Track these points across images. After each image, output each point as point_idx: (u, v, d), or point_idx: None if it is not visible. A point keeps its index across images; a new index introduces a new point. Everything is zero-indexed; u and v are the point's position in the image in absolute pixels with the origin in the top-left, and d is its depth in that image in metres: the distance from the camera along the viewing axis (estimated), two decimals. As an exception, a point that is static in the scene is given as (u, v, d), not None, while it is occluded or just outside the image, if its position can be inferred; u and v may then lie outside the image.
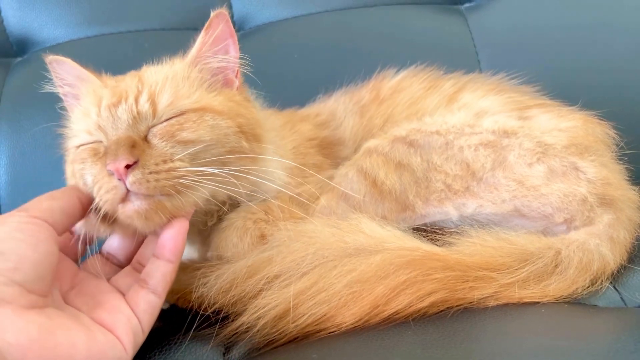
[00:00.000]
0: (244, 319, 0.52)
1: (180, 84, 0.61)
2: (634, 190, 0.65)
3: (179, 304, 0.62)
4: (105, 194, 0.54)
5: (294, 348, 0.50)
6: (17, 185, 0.91)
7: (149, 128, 0.57)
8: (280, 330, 0.51)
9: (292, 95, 0.86)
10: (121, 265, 0.60)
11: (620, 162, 0.68)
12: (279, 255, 0.56)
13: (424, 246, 0.56)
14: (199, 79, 0.63)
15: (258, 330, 0.52)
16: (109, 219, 0.56)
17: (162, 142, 0.56)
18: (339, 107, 0.81)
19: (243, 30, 1.03)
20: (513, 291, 0.53)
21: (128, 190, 0.53)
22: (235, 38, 0.65)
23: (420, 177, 0.63)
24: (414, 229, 0.62)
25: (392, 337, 0.48)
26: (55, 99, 0.67)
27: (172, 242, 0.54)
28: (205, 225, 0.66)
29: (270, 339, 0.51)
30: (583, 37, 0.96)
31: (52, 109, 0.67)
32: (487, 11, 1.02)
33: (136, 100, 0.58)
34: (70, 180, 0.62)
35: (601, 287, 0.56)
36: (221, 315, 0.54)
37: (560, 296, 0.54)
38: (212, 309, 0.54)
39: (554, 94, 0.75)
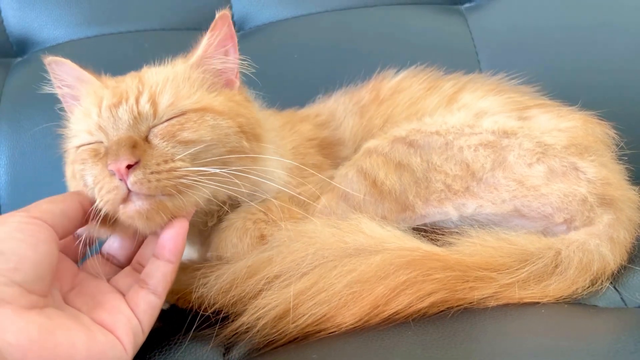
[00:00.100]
0: (244, 319, 0.52)
1: (181, 84, 0.61)
2: (634, 190, 0.65)
3: (179, 304, 0.62)
4: (106, 195, 0.54)
5: (294, 348, 0.50)
6: (17, 185, 0.91)
7: (150, 128, 0.57)
8: (280, 331, 0.51)
9: (292, 95, 0.87)
10: (121, 266, 0.60)
11: (620, 162, 0.68)
12: (279, 255, 0.56)
13: (424, 246, 0.56)
14: (200, 80, 0.63)
15: (258, 331, 0.52)
16: (110, 220, 0.56)
17: (163, 142, 0.56)
18: (338, 108, 0.81)
19: (243, 30, 1.03)
20: (513, 291, 0.53)
21: (129, 191, 0.53)
22: (236, 39, 0.65)
23: (420, 178, 0.63)
24: (414, 229, 0.62)
25: (392, 338, 0.48)
26: (55, 99, 0.67)
27: (172, 243, 0.54)
28: (206, 226, 0.66)
29: (270, 339, 0.51)
30: (583, 37, 0.96)
31: (52, 109, 0.67)
32: (487, 11, 1.02)
33: (137, 101, 0.58)
34: (71, 181, 0.62)
35: (601, 288, 0.56)
36: (221, 315, 0.54)
37: (561, 296, 0.54)
38: (212, 309, 0.54)
39: (554, 94, 0.75)
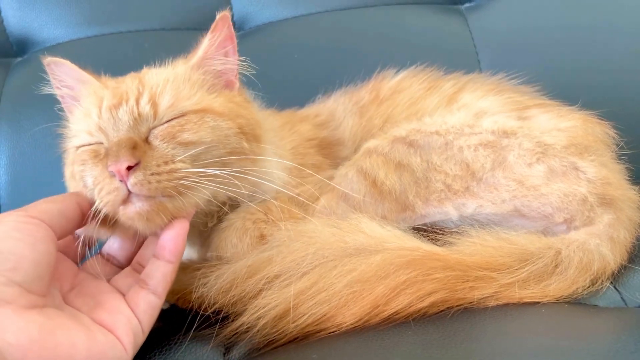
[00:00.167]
0: (244, 319, 0.52)
1: (181, 85, 0.61)
2: (634, 190, 0.65)
3: (179, 304, 0.62)
4: (106, 196, 0.54)
5: (294, 348, 0.50)
6: (17, 185, 0.91)
7: (150, 129, 0.57)
8: (281, 330, 0.51)
9: (292, 95, 0.87)
10: (121, 266, 0.60)
11: (620, 161, 0.68)
12: (279, 255, 0.56)
13: (424, 246, 0.56)
14: (200, 81, 0.63)
15: (258, 331, 0.52)
16: (110, 221, 0.56)
17: (164, 143, 0.56)
18: (338, 108, 0.81)
19: (243, 30, 1.03)
20: (513, 291, 0.53)
21: (129, 192, 0.53)
22: (235, 40, 0.65)
23: (420, 177, 0.63)
24: (414, 229, 0.62)
25: (392, 337, 0.48)
26: (55, 99, 0.67)
27: (172, 243, 0.54)
28: (206, 226, 0.66)
29: (270, 339, 0.51)
30: (583, 37, 0.96)
31: (52, 110, 0.67)
32: (487, 11, 1.02)
33: (137, 102, 0.58)
34: (70, 182, 0.62)
35: (601, 287, 0.56)
36: (221, 315, 0.54)
37: (561, 296, 0.54)
38: (212, 309, 0.55)
39: (554, 94, 0.75)
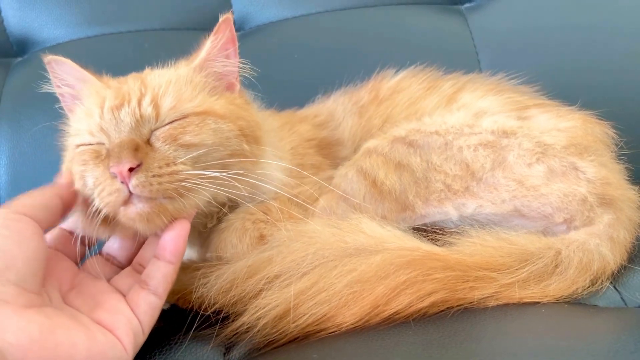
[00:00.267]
0: (244, 319, 0.52)
1: (183, 87, 0.61)
2: (634, 189, 0.65)
3: (179, 304, 0.62)
4: (107, 197, 0.54)
5: (294, 348, 0.50)
6: (17, 185, 0.91)
7: (152, 131, 0.57)
8: (281, 331, 0.51)
9: (292, 95, 0.86)
10: (121, 267, 0.60)
11: (620, 161, 0.68)
12: (279, 255, 0.56)
13: (424, 246, 0.56)
14: (202, 83, 0.63)
15: (258, 331, 0.52)
16: (110, 221, 0.56)
17: (165, 145, 0.56)
18: (338, 108, 0.81)
19: (243, 30, 1.03)
20: (513, 291, 0.53)
21: (130, 193, 0.53)
22: (237, 42, 0.65)
23: (419, 177, 0.63)
24: (414, 229, 0.62)
25: (392, 337, 0.48)
26: (55, 99, 0.67)
27: (173, 244, 0.54)
28: (205, 227, 0.66)
29: (270, 339, 0.51)
30: (583, 37, 0.96)
31: (52, 109, 0.67)
32: (487, 11, 1.02)
33: (139, 103, 0.58)
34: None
35: (601, 287, 0.56)
36: (221, 315, 0.54)
37: (561, 296, 0.54)
38: (213, 309, 0.55)
39: (554, 94, 0.75)
